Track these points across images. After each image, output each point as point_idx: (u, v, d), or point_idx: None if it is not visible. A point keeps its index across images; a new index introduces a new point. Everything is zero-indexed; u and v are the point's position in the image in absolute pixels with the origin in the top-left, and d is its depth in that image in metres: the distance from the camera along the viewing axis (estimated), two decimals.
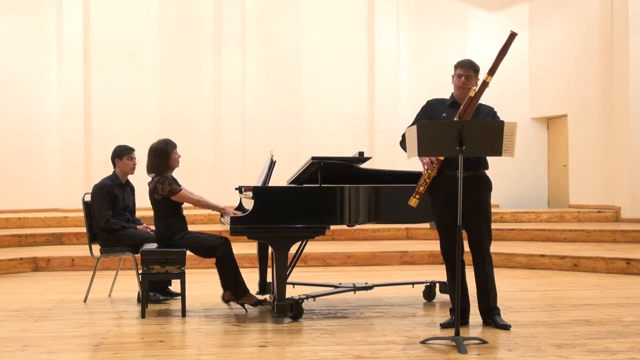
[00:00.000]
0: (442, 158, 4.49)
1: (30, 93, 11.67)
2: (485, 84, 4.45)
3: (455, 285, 4.47)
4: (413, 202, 4.58)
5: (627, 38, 10.51)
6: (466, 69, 4.63)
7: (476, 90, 4.44)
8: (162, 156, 5.38)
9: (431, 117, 4.69)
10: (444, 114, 4.63)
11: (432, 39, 12.73)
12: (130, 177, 6.10)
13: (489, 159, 4.65)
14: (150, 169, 5.42)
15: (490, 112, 4.68)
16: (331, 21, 12.51)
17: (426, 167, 4.56)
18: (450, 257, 4.58)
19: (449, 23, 12.81)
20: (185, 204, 5.43)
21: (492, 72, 4.43)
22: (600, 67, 11.26)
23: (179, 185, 5.37)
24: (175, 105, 12.03)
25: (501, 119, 4.61)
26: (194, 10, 12.26)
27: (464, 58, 4.82)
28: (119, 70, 11.90)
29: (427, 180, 4.54)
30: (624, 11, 10.61)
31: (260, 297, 5.51)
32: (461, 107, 4.45)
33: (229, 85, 12.13)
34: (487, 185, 4.71)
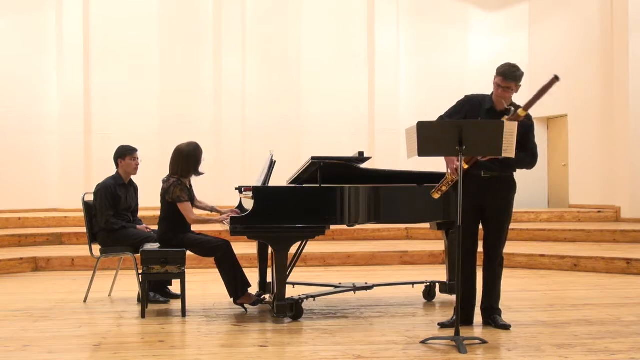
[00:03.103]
0: (465, 167, 4.39)
1: (30, 93, 11.67)
2: (517, 117, 4.34)
3: (464, 285, 4.49)
4: (435, 195, 4.58)
5: (627, 38, 10.51)
6: (507, 81, 4.49)
7: (507, 119, 4.33)
8: (191, 161, 5.38)
9: (468, 115, 4.60)
10: (480, 119, 4.56)
11: (432, 39, 12.72)
12: (133, 177, 6.09)
13: None
14: (174, 171, 5.38)
15: (525, 126, 4.53)
16: (331, 21, 12.50)
17: (449, 171, 4.50)
18: (465, 256, 4.56)
19: (449, 23, 12.80)
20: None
21: (527, 108, 4.36)
22: (600, 67, 11.25)
23: (187, 197, 5.34)
24: (175, 105, 12.03)
25: (534, 133, 4.61)
26: (194, 10, 12.26)
27: (506, 63, 4.61)
28: (119, 70, 11.90)
29: (450, 183, 4.51)
30: (624, 11, 10.60)
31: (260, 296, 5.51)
32: None
33: (229, 85, 12.13)
34: (510, 186, 4.68)
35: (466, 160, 4.41)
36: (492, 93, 4.65)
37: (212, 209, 5.72)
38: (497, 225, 4.67)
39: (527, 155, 4.59)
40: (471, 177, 4.50)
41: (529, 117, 4.60)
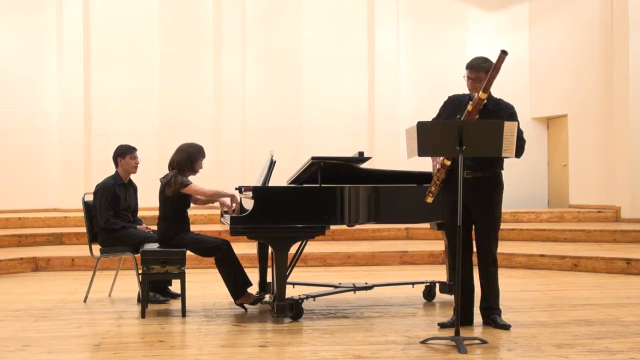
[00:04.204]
0: (448, 163, 4.48)
1: (30, 93, 11.67)
2: (480, 100, 4.42)
3: (462, 284, 4.49)
4: (428, 199, 4.58)
5: (627, 38, 10.51)
6: (474, 72, 4.56)
7: (473, 105, 4.42)
8: (190, 157, 5.43)
9: (450, 114, 4.64)
10: (457, 115, 4.58)
11: (432, 39, 12.73)
12: (132, 177, 6.09)
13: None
14: (172, 164, 5.44)
15: (508, 110, 4.60)
16: (331, 21, 12.51)
17: (434, 171, 4.56)
18: (456, 255, 4.57)
19: (449, 23, 12.81)
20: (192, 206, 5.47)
21: (485, 90, 4.40)
22: (600, 67, 11.25)
23: (189, 180, 5.38)
24: (175, 105, 12.04)
25: (518, 118, 4.62)
26: (194, 10, 12.26)
27: (474, 57, 4.71)
28: (119, 70, 11.90)
29: (437, 182, 4.53)
30: (624, 11, 10.60)
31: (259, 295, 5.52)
32: (462, 118, 4.45)
33: (229, 85, 12.13)
34: (496, 185, 4.68)
35: (448, 157, 4.44)
36: None
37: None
38: (484, 226, 4.67)
39: None
40: (456, 176, 4.51)
41: (510, 107, 4.64)
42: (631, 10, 10.49)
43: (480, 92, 4.41)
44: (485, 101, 4.45)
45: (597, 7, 11.34)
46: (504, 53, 4.37)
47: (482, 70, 4.57)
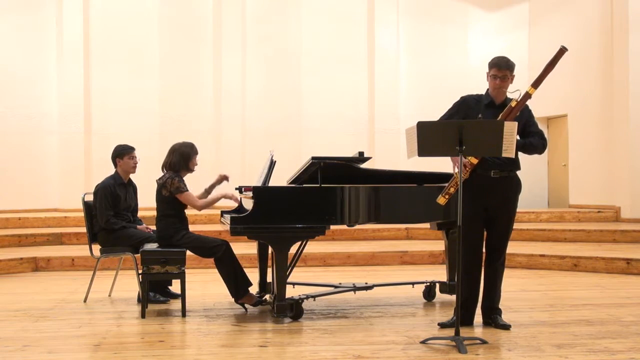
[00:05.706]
0: (475, 162, 4.46)
1: (30, 93, 11.66)
2: (528, 96, 4.41)
3: (470, 286, 4.49)
4: (442, 200, 4.54)
5: (627, 38, 10.51)
6: (502, 70, 4.53)
7: (518, 101, 4.41)
8: (184, 158, 5.43)
9: (466, 115, 4.62)
10: (479, 115, 4.56)
11: (432, 39, 12.72)
12: (132, 177, 6.09)
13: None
14: (166, 166, 5.45)
15: (527, 107, 4.60)
16: (331, 21, 12.50)
17: (457, 170, 4.43)
18: (471, 257, 4.56)
19: (449, 23, 12.80)
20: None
21: (536, 85, 4.39)
22: (600, 67, 11.25)
23: (186, 187, 5.37)
24: (175, 105, 12.04)
25: (535, 118, 4.66)
26: (194, 10, 12.26)
27: (497, 55, 4.65)
28: (119, 70, 11.90)
29: (459, 183, 4.40)
30: (624, 11, 10.61)
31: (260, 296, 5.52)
32: (500, 115, 4.43)
33: (229, 85, 12.13)
34: (517, 186, 4.69)
35: (476, 156, 4.43)
36: (488, 89, 4.68)
37: (207, 191, 5.67)
38: (505, 226, 4.66)
39: (536, 138, 4.60)
40: (479, 176, 4.49)
41: (527, 105, 4.63)
42: (631, 10, 10.49)
43: (530, 87, 4.40)
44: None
45: (597, 7, 11.33)
46: (564, 49, 4.35)
47: (509, 69, 4.56)
